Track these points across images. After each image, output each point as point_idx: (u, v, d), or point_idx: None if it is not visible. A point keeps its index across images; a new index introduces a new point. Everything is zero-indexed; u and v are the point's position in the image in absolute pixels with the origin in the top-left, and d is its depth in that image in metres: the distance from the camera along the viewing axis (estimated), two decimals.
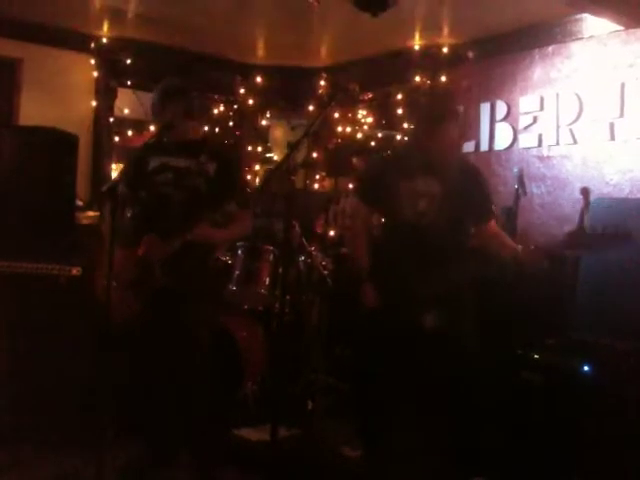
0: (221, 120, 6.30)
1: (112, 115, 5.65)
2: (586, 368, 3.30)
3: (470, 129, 5.15)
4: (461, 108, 5.13)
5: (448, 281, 3.02)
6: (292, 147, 2.40)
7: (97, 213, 4.71)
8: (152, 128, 3.81)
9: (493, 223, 3.25)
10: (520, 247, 3.09)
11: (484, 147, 5.09)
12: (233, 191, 3.06)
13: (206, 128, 5.70)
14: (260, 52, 5.87)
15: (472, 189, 3.18)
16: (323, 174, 6.28)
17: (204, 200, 3.04)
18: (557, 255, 2.93)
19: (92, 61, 5.51)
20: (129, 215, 3.23)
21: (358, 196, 3.40)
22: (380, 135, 5.97)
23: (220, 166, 3.14)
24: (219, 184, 3.09)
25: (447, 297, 3.03)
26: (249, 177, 6.19)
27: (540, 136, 4.77)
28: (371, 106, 6.01)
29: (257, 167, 6.35)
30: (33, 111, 5.18)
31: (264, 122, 6.46)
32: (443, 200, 3.11)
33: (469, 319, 3.14)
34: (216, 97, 6.23)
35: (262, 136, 6.47)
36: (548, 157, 4.73)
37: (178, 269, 3.01)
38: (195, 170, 3.10)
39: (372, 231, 3.39)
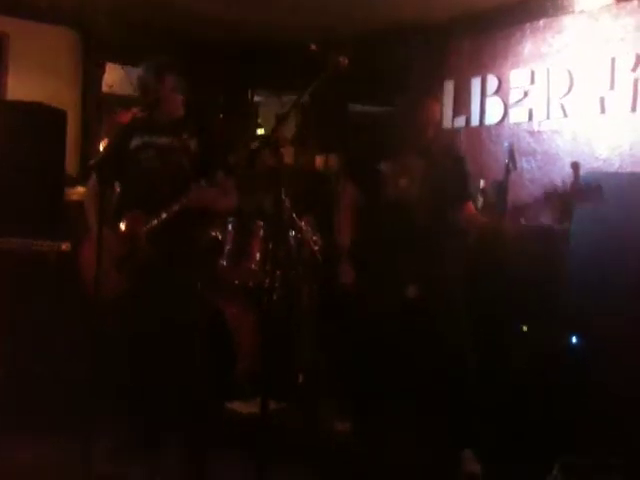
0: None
1: (100, 90, 5.60)
2: (575, 341, 3.32)
3: (461, 104, 5.14)
4: (451, 83, 5.15)
5: (430, 259, 3.04)
6: (280, 118, 2.37)
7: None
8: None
9: (470, 205, 3.30)
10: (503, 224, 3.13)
11: (475, 122, 5.06)
12: (217, 166, 3.04)
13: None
14: (249, 27, 5.81)
15: (453, 168, 3.23)
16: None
17: (188, 176, 3.04)
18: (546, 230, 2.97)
19: (79, 36, 5.44)
20: (114, 192, 3.25)
21: (347, 176, 3.43)
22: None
23: (202, 141, 3.14)
24: (201, 160, 3.10)
25: (430, 274, 3.06)
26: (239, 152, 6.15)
27: (530, 111, 4.75)
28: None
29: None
30: (20, 87, 5.12)
31: (255, 98, 6.41)
32: (425, 177, 3.13)
33: (454, 295, 3.17)
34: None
35: (253, 112, 6.43)
36: (538, 132, 4.72)
37: (165, 243, 3.01)
38: (177, 147, 3.11)
39: (356, 212, 3.40)
